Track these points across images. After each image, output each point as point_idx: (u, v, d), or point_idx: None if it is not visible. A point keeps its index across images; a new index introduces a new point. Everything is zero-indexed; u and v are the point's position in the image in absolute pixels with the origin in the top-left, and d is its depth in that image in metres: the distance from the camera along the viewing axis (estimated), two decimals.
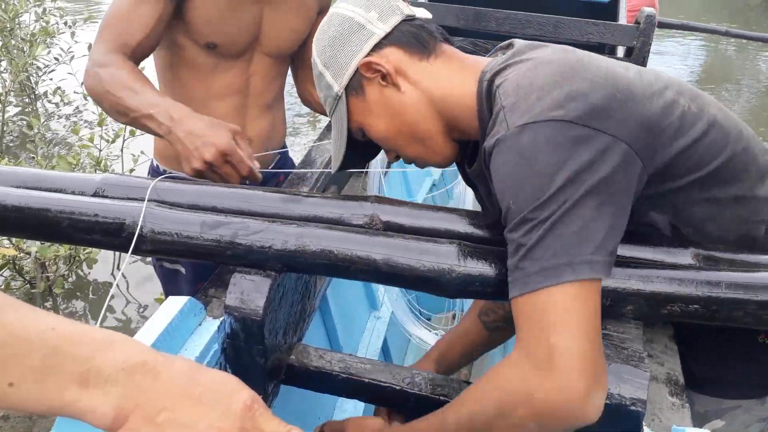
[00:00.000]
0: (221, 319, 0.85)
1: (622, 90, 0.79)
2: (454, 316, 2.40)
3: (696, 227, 0.88)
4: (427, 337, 1.96)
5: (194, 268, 1.40)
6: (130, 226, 0.89)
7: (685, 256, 0.88)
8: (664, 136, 0.81)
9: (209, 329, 0.84)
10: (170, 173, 1.36)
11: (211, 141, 1.01)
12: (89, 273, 3.18)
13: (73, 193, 0.98)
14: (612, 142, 0.74)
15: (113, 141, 3.24)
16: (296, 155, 3.51)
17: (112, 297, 2.96)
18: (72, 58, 4.56)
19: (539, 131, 0.73)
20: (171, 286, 1.42)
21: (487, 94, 0.86)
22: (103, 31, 1.17)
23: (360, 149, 1.02)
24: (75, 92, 4.41)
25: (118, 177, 1.00)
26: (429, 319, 2.32)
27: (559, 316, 0.69)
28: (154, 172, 1.39)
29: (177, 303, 0.78)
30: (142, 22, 1.17)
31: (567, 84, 0.76)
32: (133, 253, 0.91)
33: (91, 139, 3.05)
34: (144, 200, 0.92)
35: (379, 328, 1.87)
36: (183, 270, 1.38)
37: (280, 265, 0.86)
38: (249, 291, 0.84)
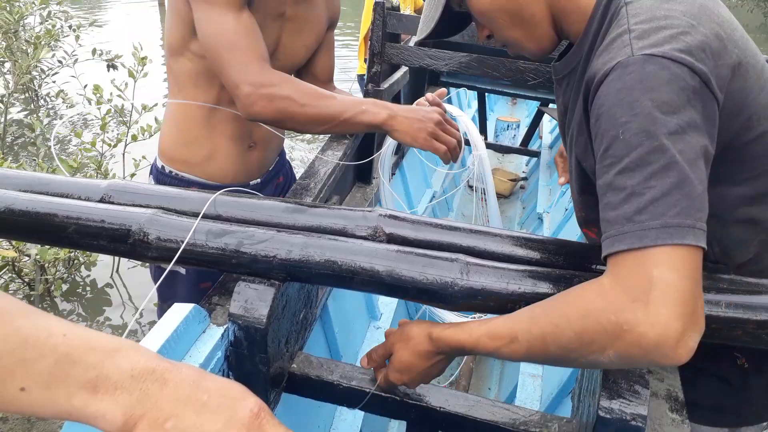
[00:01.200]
0: (225, 326, 0.86)
1: (746, 67, 0.76)
2: None
3: (724, 248, 0.86)
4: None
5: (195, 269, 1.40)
6: (136, 232, 0.90)
7: None
8: (742, 123, 0.78)
9: (213, 337, 0.84)
10: (176, 174, 1.37)
11: (428, 116, 1.15)
12: (88, 275, 3.18)
13: (79, 198, 0.99)
14: (716, 113, 0.71)
15: (115, 145, 3.26)
16: (294, 163, 3.52)
17: (140, 315, 2.96)
18: (75, 61, 4.58)
19: (666, 66, 0.69)
20: (167, 288, 1.42)
21: (607, 6, 0.81)
22: (236, 55, 1.10)
23: (450, 21, 0.98)
24: (78, 94, 4.42)
25: (124, 183, 1.01)
26: None
27: (666, 259, 0.64)
28: (158, 173, 1.40)
29: (182, 310, 0.79)
30: (256, 32, 1.15)
31: (701, 32, 0.72)
32: (139, 259, 0.92)
33: (93, 143, 3.06)
34: (149, 207, 0.93)
35: (379, 338, 1.88)
36: (183, 270, 1.38)
37: (284, 275, 0.87)
38: (253, 299, 0.85)
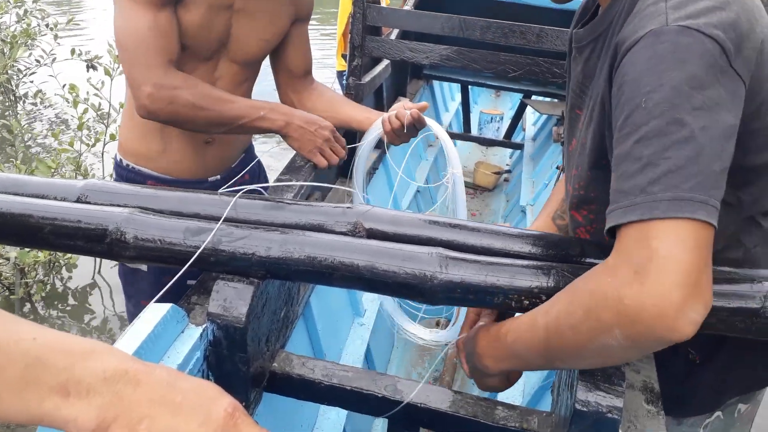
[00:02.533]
0: (204, 326, 0.85)
1: (766, 55, 0.75)
2: (437, 323, 2.41)
3: (748, 248, 0.87)
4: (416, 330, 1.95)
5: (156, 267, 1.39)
6: (113, 232, 0.89)
7: None
8: (753, 111, 0.77)
9: (192, 337, 0.84)
10: (133, 167, 1.36)
11: (320, 132, 1.25)
12: (69, 278, 3.15)
13: (55, 198, 0.98)
14: (743, 94, 0.70)
15: (93, 144, 3.22)
16: (270, 159, 3.50)
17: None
18: (54, 60, 4.51)
19: (700, 41, 0.67)
20: (130, 286, 1.41)
21: None
22: (141, 54, 1.14)
23: None
24: (56, 94, 4.36)
25: (102, 183, 1.00)
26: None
27: (673, 232, 0.62)
28: (117, 167, 1.39)
29: (159, 310, 0.78)
30: (170, 33, 1.17)
31: (734, 10, 0.71)
32: (116, 259, 0.91)
33: (71, 143, 3.02)
34: (126, 206, 0.92)
35: (363, 335, 1.88)
36: (144, 268, 1.37)
37: (264, 272, 0.86)
38: (232, 298, 0.84)
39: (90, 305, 2.98)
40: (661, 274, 0.60)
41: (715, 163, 0.65)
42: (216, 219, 0.94)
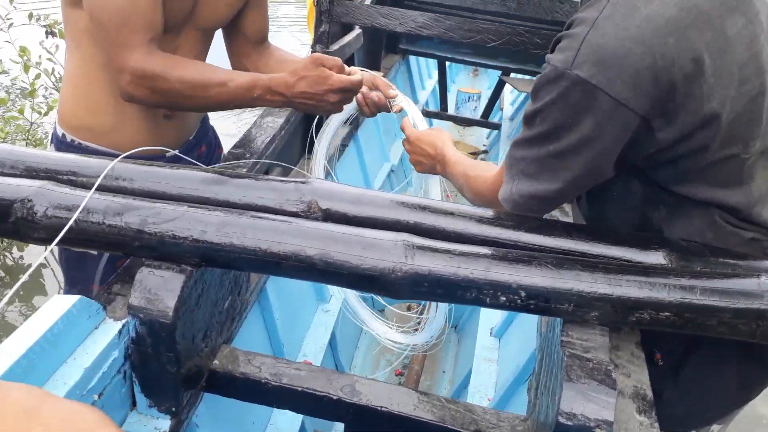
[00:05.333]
0: (124, 321, 0.72)
1: None
2: (408, 308, 2.30)
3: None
4: (381, 330, 1.86)
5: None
6: (18, 209, 0.75)
7: (656, 256, 0.79)
8: None
9: (108, 333, 0.71)
10: (80, 143, 1.20)
11: (323, 90, 1.08)
12: (21, 256, 2.95)
13: None
14: None
15: (46, 113, 3.00)
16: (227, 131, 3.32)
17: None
18: (11, 26, 4.22)
19: None
20: (76, 270, 1.26)
21: None
22: (121, 34, 1.02)
23: None
24: (11, 60, 4.09)
25: (9, 148, 0.85)
26: (382, 311, 2.22)
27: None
28: (59, 143, 1.23)
29: (63, 303, 0.65)
30: (154, 8, 1.04)
31: None
32: (24, 240, 0.77)
33: (21, 111, 2.81)
34: (39, 177, 0.78)
35: (327, 322, 1.76)
36: (95, 251, 1.22)
37: (198, 260, 0.73)
38: (157, 289, 0.71)
39: (42, 285, 2.81)
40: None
41: None
42: (144, 194, 0.80)
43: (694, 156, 0.77)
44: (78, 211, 0.72)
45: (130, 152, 0.85)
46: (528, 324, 1.44)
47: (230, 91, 1.07)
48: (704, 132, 0.75)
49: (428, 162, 1.18)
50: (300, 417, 1.32)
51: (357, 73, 1.17)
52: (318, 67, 1.08)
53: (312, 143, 1.62)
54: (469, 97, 4.35)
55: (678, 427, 0.93)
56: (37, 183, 0.76)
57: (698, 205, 0.81)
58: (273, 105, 1.13)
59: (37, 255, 2.94)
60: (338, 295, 1.86)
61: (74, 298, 0.66)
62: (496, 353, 1.65)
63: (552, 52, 0.79)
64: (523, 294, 0.71)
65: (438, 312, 1.32)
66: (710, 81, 0.73)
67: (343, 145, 2.18)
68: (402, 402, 0.86)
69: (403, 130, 1.25)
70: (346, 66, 1.15)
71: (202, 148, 1.41)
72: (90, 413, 0.40)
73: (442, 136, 1.17)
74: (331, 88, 1.08)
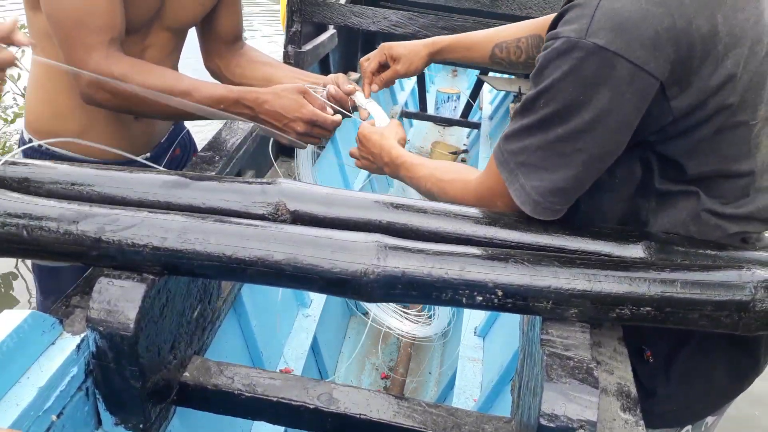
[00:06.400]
0: (83, 335, 0.69)
1: None
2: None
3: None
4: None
5: None
6: None
7: (636, 249, 0.77)
8: None
9: (66, 349, 0.67)
10: (47, 149, 1.15)
11: (294, 116, 1.05)
12: None
13: None
14: None
15: (13, 120, 2.92)
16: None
17: None
18: None
19: None
20: (48, 280, 1.22)
21: None
22: (78, 35, 0.97)
23: None
24: None
25: None
26: (365, 314, 2.19)
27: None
28: (30, 149, 1.18)
29: (13, 318, 0.61)
30: (112, 8, 0.99)
31: None
32: None
33: None
34: None
35: (308, 327, 1.72)
36: (66, 264, 1.18)
37: (160, 268, 0.70)
38: (117, 300, 0.68)
39: (11, 297, 2.73)
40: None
41: None
42: (104, 200, 0.77)
43: (705, 125, 0.74)
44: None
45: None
46: (511, 323, 1.42)
47: (195, 100, 1.03)
48: (719, 97, 0.72)
49: (373, 162, 1.09)
50: (281, 428, 1.28)
51: (338, 117, 1.13)
52: (298, 94, 1.06)
53: (284, 147, 1.59)
54: (448, 97, 4.35)
55: (674, 423, 0.91)
56: None
57: (688, 196, 0.79)
58: (239, 118, 1.08)
59: (7, 263, 2.86)
60: (319, 299, 1.83)
61: (25, 313, 0.62)
62: (480, 353, 1.63)
63: (554, 28, 0.75)
64: (500, 293, 0.68)
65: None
66: (725, 40, 0.70)
67: (320, 147, 2.14)
68: (381, 408, 0.83)
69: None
70: (330, 109, 1.12)
71: (176, 151, 1.37)
72: None
73: (387, 134, 1.08)
74: (302, 117, 1.05)
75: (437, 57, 1.20)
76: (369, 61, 1.20)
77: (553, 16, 1.16)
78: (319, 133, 1.10)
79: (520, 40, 1.13)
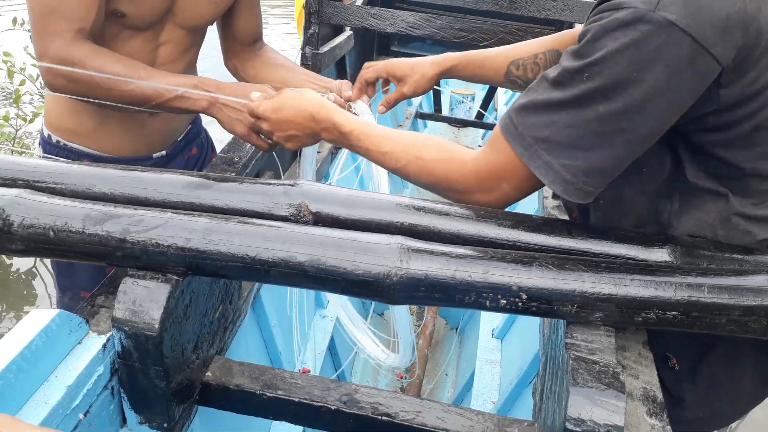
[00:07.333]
0: (109, 335, 0.69)
1: None
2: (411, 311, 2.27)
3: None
4: (374, 351, 1.80)
5: None
6: None
7: (661, 253, 0.77)
8: None
9: (92, 348, 0.68)
10: (65, 144, 1.17)
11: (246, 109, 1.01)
12: (11, 263, 2.92)
13: None
14: None
15: (32, 120, 2.96)
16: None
17: None
18: None
19: None
20: (66, 276, 1.23)
21: None
22: (46, 21, 0.99)
23: None
24: None
25: None
26: (381, 314, 2.19)
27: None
28: (46, 143, 1.20)
29: (42, 318, 0.62)
30: (88, 1, 1.00)
31: None
32: (1, 252, 0.74)
33: (6, 118, 2.77)
34: (16, 185, 0.75)
35: (326, 328, 1.72)
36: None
37: (183, 268, 0.70)
38: (142, 300, 0.68)
39: (31, 295, 2.77)
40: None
41: None
42: (128, 201, 0.77)
43: (748, 120, 0.71)
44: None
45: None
46: (530, 325, 1.41)
47: (150, 87, 1.02)
48: None
49: (306, 131, 0.93)
50: (299, 428, 1.28)
51: None
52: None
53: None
54: (463, 99, 4.33)
55: (703, 428, 0.89)
56: (13, 192, 0.73)
57: (716, 198, 0.76)
58: (195, 107, 1.05)
59: (26, 262, 2.90)
60: (336, 300, 1.83)
61: (53, 313, 0.63)
62: (498, 355, 1.62)
63: (594, 10, 0.71)
64: (524, 296, 0.68)
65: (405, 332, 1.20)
66: None
67: (337, 147, 2.15)
68: (403, 409, 0.83)
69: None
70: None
71: (193, 150, 1.38)
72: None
73: (312, 98, 0.93)
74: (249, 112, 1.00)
75: (446, 76, 1.15)
76: (369, 70, 1.14)
77: (569, 31, 1.14)
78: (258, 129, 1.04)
79: (538, 56, 1.09)
